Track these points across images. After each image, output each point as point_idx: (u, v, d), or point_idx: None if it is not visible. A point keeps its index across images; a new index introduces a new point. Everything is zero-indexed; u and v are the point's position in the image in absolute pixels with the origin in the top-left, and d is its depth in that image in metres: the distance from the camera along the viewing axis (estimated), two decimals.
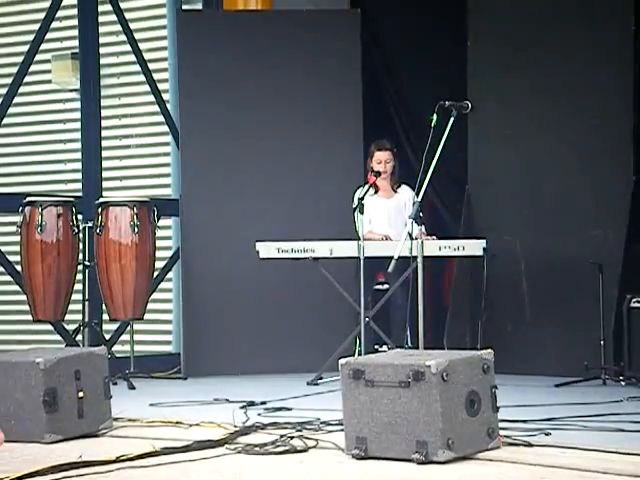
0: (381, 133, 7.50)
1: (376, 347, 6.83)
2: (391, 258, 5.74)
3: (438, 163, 5.77)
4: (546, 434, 4.43)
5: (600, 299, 6.57)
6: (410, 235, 5.86)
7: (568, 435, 4.47)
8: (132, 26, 8.06)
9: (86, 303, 7.08)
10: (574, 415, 4.95)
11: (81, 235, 7.04)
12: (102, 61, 7.88)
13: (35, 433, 4.59)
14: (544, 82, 7.12)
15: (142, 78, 8.11)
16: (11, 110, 7.60)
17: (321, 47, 7.61)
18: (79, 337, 7.08)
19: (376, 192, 7.09)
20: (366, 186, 6.79)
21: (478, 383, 4.13)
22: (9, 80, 7.62)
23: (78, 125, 7.90)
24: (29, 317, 7.05)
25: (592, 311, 6.62)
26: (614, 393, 5.89)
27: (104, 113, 7.89)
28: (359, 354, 6.55)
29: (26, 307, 7.04)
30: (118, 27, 8.04)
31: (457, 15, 7.46)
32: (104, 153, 7.82)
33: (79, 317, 7.11)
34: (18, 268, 7.16)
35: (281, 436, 4.46)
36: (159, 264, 7.52)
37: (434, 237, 6.73)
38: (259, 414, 5.18)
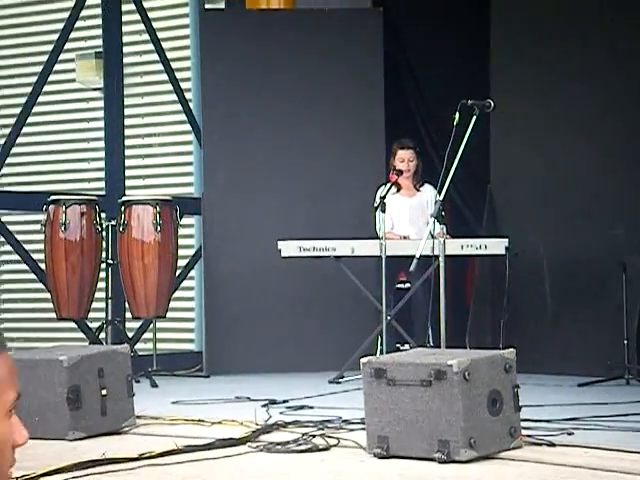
0: (403, 132, 7.49)
1: (398, 346, 6.82)
2: (413, 257, 5.73)
3: (460, 162, 5.75)
4: (569, 434, 4.41)
5: (623, 298, 6.54)
6: (432, 234, 5.84)
7: (591, 435, 4.45)
8: (155, 25, 8.08)
9: (109, 301, 7.11)
10: (597, 415, 4.92)
11: (104, 233, 7.06)
12: (125, 60, 7.91)
13: (59, 430, 4.61)
14: (567, 81, 7.09)
15: (165, 77, 8.13)
16: (35, 109, 7.64)
17: (343, 46, 7.61)
18: (102, 335, 7.11)
19: (398, 191, 7.09)
20: (388, 185, 6.78)
21: (500, 382, 4.12)
22: (33, 79, 7.66)
23: (101, 124, 7.93)
24: (53, 315, 7.08)
25: (615, 310, 6.58)
26: (637, 393, 5.85)
27: (127, 112, 7.91)
28: (381, 353, 6.54)
29: (50, 305, 7.08)
30: (141, 26, 8.07)
31: (479, 13, 7.44)
32: (127, 152, 7.85)
33: (102, 315, 7.14)
34: (42, 266, 7.19)
35: (303, 434, 4.47)
36: (181, 262, 7.53)
37: (448, 235, 6.57)
38: (281, 412, 5.17)
